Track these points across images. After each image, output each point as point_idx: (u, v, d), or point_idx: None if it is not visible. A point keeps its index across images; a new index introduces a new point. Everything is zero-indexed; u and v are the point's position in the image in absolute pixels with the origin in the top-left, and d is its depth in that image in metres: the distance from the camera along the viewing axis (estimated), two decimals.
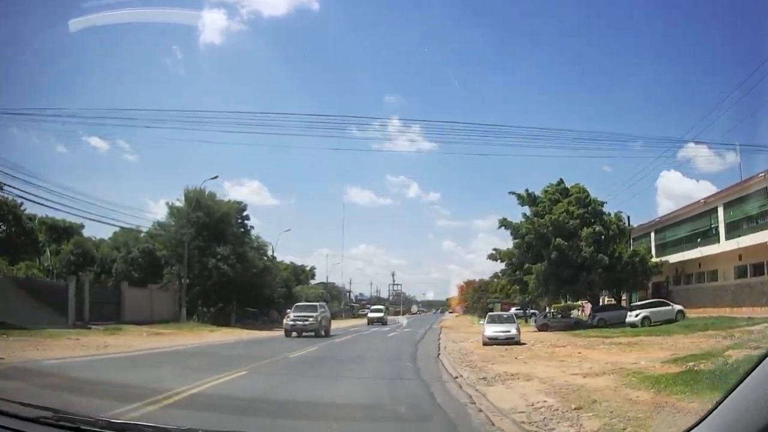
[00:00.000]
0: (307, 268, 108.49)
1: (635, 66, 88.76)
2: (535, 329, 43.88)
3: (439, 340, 33.36)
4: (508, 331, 26.40)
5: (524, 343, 26.56)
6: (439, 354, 22.94)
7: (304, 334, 33.10)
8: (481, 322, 59.68)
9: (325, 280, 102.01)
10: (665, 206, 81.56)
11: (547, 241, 40.99)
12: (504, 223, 43.65)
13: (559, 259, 40.14)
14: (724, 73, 74.90)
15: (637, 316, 36.52)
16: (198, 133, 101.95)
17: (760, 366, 2.04)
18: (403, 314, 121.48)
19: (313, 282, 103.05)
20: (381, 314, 64.35)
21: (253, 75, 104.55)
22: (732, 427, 2.07)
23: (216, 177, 48.61)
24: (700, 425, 2.28)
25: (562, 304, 59.01)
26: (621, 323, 39.27)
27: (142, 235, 53.12)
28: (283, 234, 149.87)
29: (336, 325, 58.14)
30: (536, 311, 72.21)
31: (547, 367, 17.66)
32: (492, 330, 26.59)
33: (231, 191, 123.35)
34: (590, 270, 39.81)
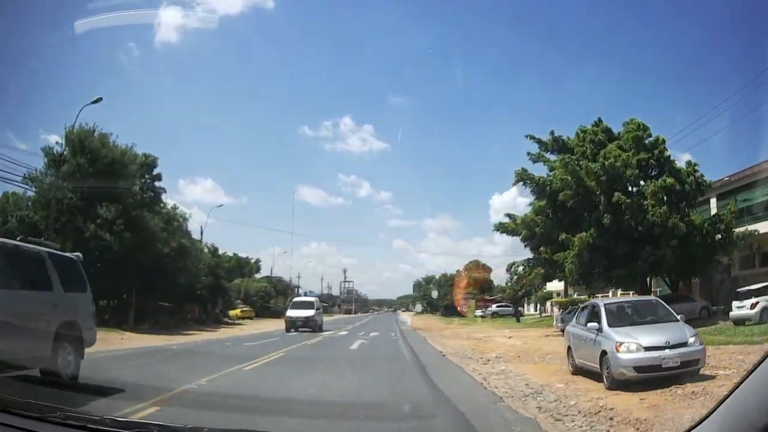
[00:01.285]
0: (252, 261, 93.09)
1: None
2: (559, 332, 28.13)
3: (447, 358, 17.15)
4: (683, 343, 9.60)
5: (712, 376, 10.09)
6: None
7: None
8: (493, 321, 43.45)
9: (273, 275, 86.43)
10: None
11: (592, 201, 25.29)
12: (523, 177, 27.70)
13: (613, 225, 24.45)
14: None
15: (753, 307, 21.11)
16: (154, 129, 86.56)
17: (761, 366, 1.88)
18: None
19: (258, 276, 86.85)
20: (310, 312, 32.29)
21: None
22: (733, 428, 1.92)
23: (99, 100, 30.26)
24: (701, 425, 2.11)
25: (565, 299, 43.62)
26: (694, 320, 24.21)
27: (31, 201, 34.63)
28: (236, 231, 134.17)
29: (269, 326, 40.76)
30: (517, 307, 56.92)
31: None
32: (638, 344, 9.50)
33: (185, 189, 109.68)
34: (659, 242, 24.18)
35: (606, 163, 25.00)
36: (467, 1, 78.43)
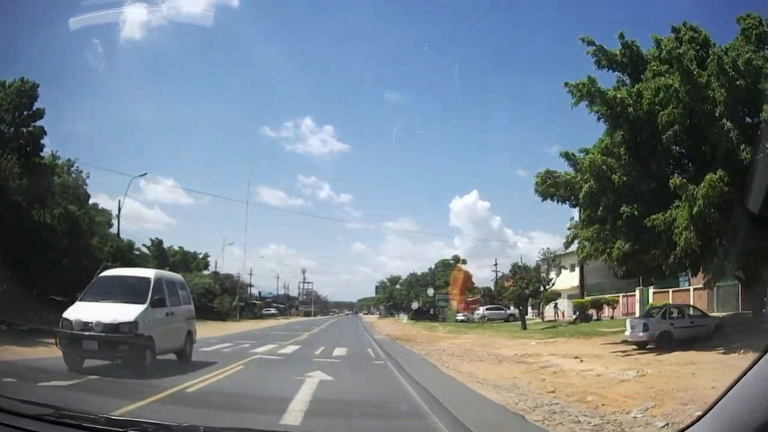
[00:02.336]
0: (200, 256, 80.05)
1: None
2: (634, 344, 16.99)
3: None
4: None
5: None
6: None
7: None
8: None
9: (227, 272, 74.22)
10: None
11: (712, 125, 14.29)
12: (591, 92, 16.34)
13: (751, 163, 13.45)
14: None
15: None
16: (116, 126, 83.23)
17: (758, 363, 1.83)
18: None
19: (207, 272, 73.56)
20: (128, 312, 9.87)
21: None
22: (730, 425, 1.86)
23: None
24: (698, 423, 2.05)
25: (586, 299, 32.71)
26: None
27: None
28: (196, 232, 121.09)
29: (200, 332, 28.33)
30: (505, 309, 45.85)
31: None
32: None
33: (146, 188, 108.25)
34: None
35: (741, 60, 14.03)
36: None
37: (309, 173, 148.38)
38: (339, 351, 16.58)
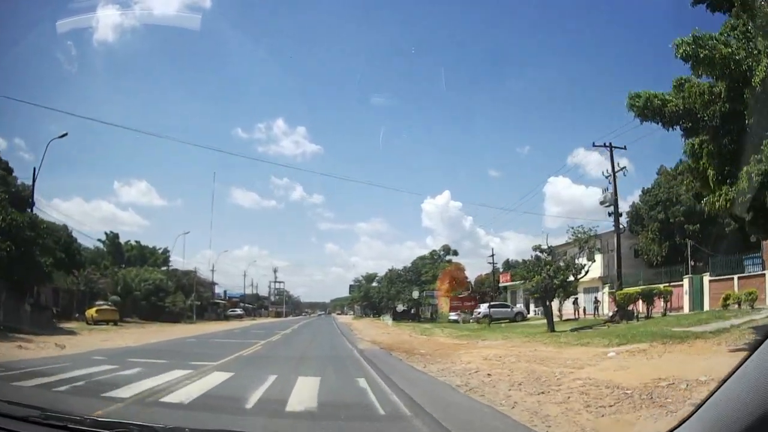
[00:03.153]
0: (159, 251, 71.52)
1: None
2: None
3: None
4: None
5: None
6: None
7: None
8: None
9: (186, 267, 65.44)
10: (553, 212, 74.06)
11: None
12: None
13: None
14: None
15: None
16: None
17: (739, 369, 1.75)
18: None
19: (164, 269, 64.58)
20: None
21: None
22: (715, 425, 1.79)
23: None
24: (684, 424, 1.96)
25: (634, 289, 24.70)
26: None
27: None
28: (170, 233, 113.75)
29: (98, 341, 19.14)
30: (512, 307, 37.97)
31: None
32: None
33: (120, 190, 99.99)
34: None
35: None
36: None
37: (282, 174, 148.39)
38: (301, 396, 7.45)
